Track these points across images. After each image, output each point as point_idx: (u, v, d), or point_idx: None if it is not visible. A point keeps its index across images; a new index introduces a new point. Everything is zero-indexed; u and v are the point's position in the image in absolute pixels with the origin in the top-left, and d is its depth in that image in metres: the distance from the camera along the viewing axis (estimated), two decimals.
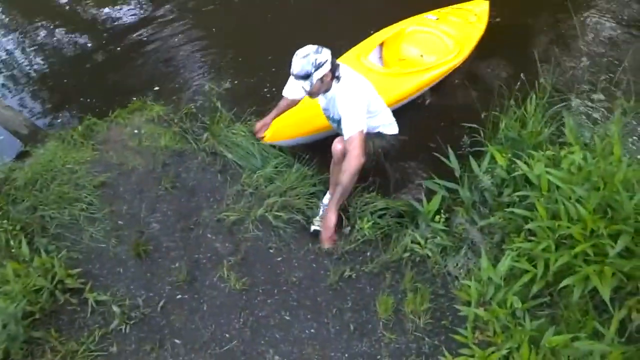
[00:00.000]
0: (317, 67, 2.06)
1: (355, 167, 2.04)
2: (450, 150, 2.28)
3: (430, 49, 3.47)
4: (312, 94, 2.20)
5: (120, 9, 4.73)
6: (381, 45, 3.54)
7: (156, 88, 3.59)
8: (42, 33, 4.58)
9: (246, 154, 2.74)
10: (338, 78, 2.16)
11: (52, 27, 4.66)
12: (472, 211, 2.12)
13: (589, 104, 3.09)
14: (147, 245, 2.30)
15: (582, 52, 3.69)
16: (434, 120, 3.19)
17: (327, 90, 2.22)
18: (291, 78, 2.33)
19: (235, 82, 3.51)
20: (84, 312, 2.04)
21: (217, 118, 2.91)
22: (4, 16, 4.99)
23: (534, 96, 2.40)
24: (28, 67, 4.09)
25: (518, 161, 2.01)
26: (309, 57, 2.06)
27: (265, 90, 3.47)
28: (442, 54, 3.32)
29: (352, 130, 2.04)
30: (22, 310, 1.91)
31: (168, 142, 2.85)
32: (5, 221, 2.33)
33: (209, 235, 2.35)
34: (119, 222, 2.42)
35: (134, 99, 3.25)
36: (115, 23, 4.58)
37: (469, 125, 2.49)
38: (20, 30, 4.66)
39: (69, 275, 2.09)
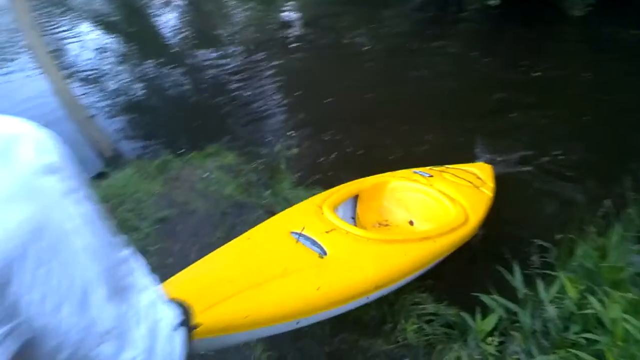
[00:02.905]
0: None
1: None
2: (516, 267, 2.12)
3: (423, 213, 2.59)
4: None
5: (221, 57, 5.21)
6: (355, 199, 2.69)
7: (231, 137, 3.81)
8: (149, 67, 5.13)
9: None
10: None
11: (159, 62, 5.21)
12: (531, 341, 1.90)
13: None
14: None
15: None
16: (503, 226, 3.01)
17: None
18: None
19: (305, 147, 3.62)
20: None
21: (281, 179, 2.99)
22: (122, 47, 5.68)
23: (619, 228, 2.21)
24: (127, 96, 4.55)
25: (591, 297, 1.81)
26: None
27: (331, 162, 3.53)
28: (442, 221, 2.44)
29: None
30: None
31: (232, 191, 2.94)
32: None
33: None
34: (168, 259, 2.47)
35: (211, 144, 3.45)
36: (213, 70, 5.03)
37: (541, 243, 2.32)
38: (132, 60, 5.26)
39: None
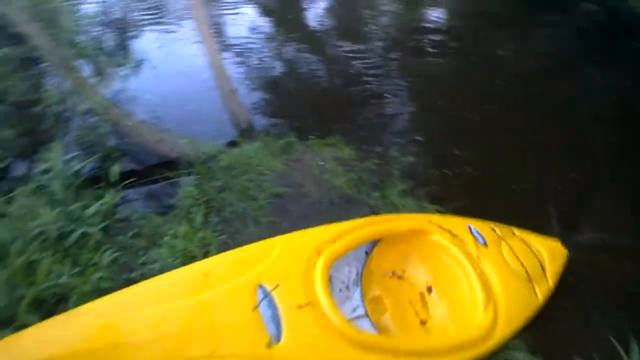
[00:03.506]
0: None
1: None
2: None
3: (449, 288, 2.01)
4: None
5: (358, 51, 5.32)
6: (376, 243, 2.18)
7: (352, 131, 3.89)
8: (292, 51, 5.46)
9: None
10: None
11: (302, 47, 5.51)
12: None
13: None
14: None
15: None
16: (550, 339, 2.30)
17: None
18: None
19: (423, 157, 3.54)
20: None
21: (391, 184, 3.00)
22: (271, 28, 6.12)
23: None
24: (267, 75, 4.90)
25: None
26: None
27: (446, 178, 3.38)
28: (463, 314, 1.89)
29: None
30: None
31: (343, 184, 3.04)
32: (197, 190, 2.80)
33: None
34: (275, 235, 2.65)
35: (332, 134, 3.58)
36: (348, 62, 5.14)
37: None
38: (278, 42, 5.65)
39: None
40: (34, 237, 2.20)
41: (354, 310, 2.06)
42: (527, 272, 2.05)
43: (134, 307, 1.30)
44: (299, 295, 1.48)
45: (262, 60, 5.15)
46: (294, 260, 1.64)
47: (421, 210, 2.83)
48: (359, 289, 2.12)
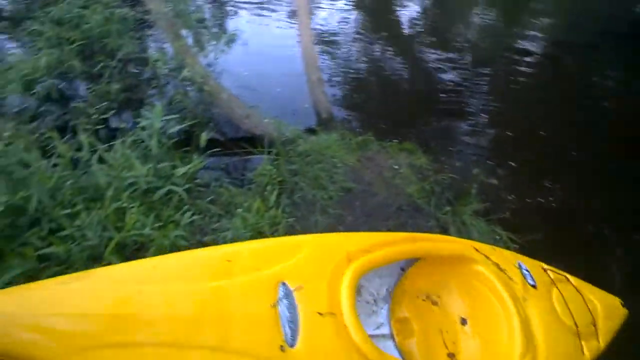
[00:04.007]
0: None
1: None
2: None
3: (485, 324, 1.81)
4: None
5: (446, 59, 5.19)
6: (414, 261, 2.01)
7: (431, 140, 3.82)
8: (381, 50, 5.45)
9: None
10: None
11: (391, 48, 5.48)
12: None
13: None
14: None
15: None
16: None
17: None
18: None
19: (504, 180, 3.40)
20: None
21: (466, 202, 2.92)
22: (362, 23, 6.14)
23: None
24: (352, 69, 4.92)
25: None
26: None
27: (526, 207, 3.23)
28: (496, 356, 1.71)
29: None
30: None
31: (414, 192, 3.01)
32: (275, 170, 2.90)
33: None
34: (339, 226, 2.70)
35: (410, 140, 3.54)
36: (435, 69, 5.05)
37: None
38: (369, 40, 5.66)
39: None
40: (127, 186, 2.41)
41: (378, 327, 1.97)
42: (576, 325, 1.82)
43: (151, 281, 1.24)
44: (321, 302, 1.36)
45: (350, 55, 5.19)
46: (322, 263, 1.49)
47: (492, 234, 2.74)
48: (387, 306, 2.02)
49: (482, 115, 4.25)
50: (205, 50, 4.30)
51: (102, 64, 3.64)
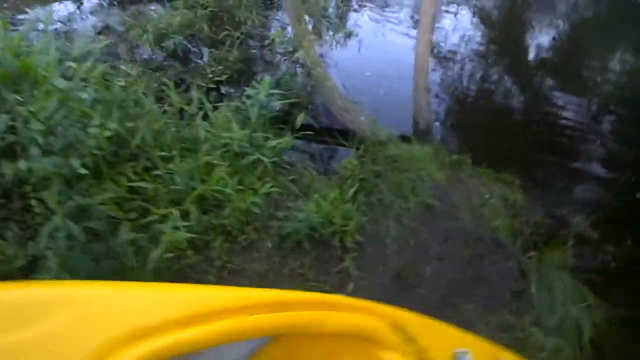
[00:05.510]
0: None
1: None
2: None
3: None
4: None
5: (567, 101, 4.72)
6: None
7: (534, 178, 3.49)
8: (497, 72, 5.13)
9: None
10: None
11: (509, 73, 5.12)
12: None
13: None
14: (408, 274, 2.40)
15: None
16: None
17: None
18: None
19: (604, 239, 2.99)
20: None
21: (557, 254, 2.62)
22: (482, 41, 5.81)
23: None
24: (460, 86, 4.67)
25: None
26: None
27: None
28: None
29: None
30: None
31: (500, 226, 2.78)
32: (359, 166, 2.87)
33: None
34: (411, 240, 2.59)
35: (509, 173, 3.26)
36: (552, 106, 4.60)
37: None
38: (487, 59, 5.35)
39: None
40: (221, 145, 2.53)
41: None
42: None
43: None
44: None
45: (464, 73, 4.95)
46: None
47: (577, 292, 2.42)
48: None
49: (598, 162, 3.79)
50: (322, 39, 4.39)
51: (227, 32, 3.89)
